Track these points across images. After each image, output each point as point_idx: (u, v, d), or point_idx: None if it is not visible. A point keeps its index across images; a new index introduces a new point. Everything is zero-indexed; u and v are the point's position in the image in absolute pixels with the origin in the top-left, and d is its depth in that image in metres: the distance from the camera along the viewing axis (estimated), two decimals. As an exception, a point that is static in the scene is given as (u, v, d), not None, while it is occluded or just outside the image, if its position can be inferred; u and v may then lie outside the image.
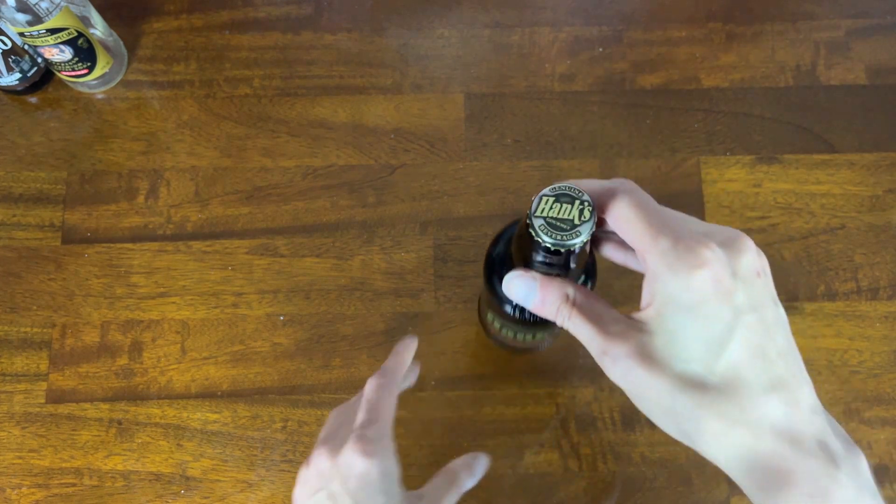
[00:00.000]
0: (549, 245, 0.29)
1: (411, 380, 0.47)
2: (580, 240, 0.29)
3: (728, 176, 0.62)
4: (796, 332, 0.61)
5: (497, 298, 0.40)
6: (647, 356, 0.28)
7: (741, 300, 0.28)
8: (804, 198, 0.62)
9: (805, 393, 0.29)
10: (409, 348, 0.43)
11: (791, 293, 0.59)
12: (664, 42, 0.66)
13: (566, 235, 0.29)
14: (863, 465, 0.29)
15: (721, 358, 0.28)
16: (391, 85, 0.65)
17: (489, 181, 0.62)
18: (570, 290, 0.31)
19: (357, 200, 0.62)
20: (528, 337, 0.47)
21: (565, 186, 0.29)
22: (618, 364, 0.29)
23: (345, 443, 0.36)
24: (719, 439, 0.28)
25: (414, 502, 0.39)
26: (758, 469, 0.28)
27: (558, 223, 0.29)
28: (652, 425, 0.57)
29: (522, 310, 0.39)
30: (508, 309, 0.40)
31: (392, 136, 0.63)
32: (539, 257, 0.31)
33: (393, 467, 0.37)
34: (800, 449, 0.27)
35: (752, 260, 0.29)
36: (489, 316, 0.47)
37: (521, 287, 0.32)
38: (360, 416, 0.38)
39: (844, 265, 0.60)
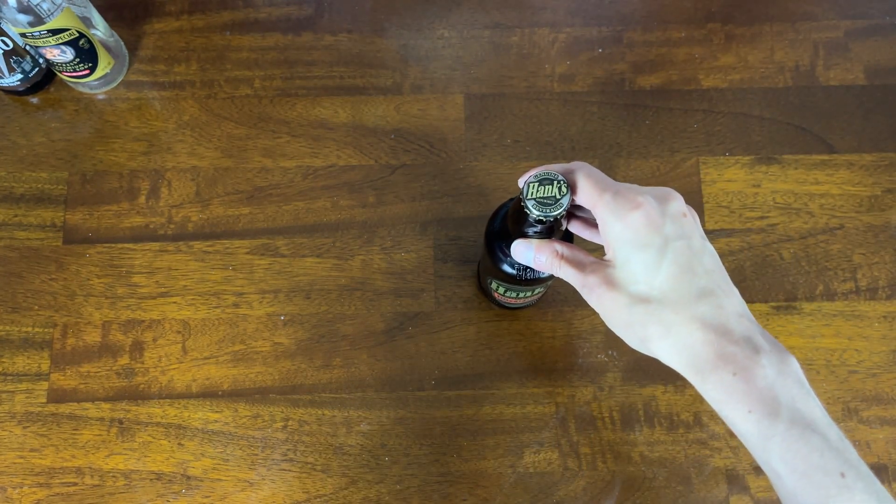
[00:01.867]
0: (542, 217, 0.39)
1: None
2: (562, 209, 0.38)
3: (727, 176, 0.62)
4: (795, 332, 0.61)
5: (498, 264, 0.47)
6: (610, 283, 0.37)
7: (669, 230, 0.36)
8: (803, 198, 0.62)
9: (731, 300, 0.36)
10: None
11: (790, 293, 0.60)
12: (663, 43, 0.66)
13: (552, 208, 0.38)
14: (789, 361, 0.34)
15: (657, 276, 0.35)
16: (391, 85, 0.65)
17: (489, 181, 0.62)
18: (558, 246, 0.40)
19: (357, 200, 0.62)
20: (527, 293, 0.53)
21: (543, 172, 0.39)
22: (593, 292, 0.37)
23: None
24: (663, 339, 0.35)
25: None
26: (692, 357, 0.35)
27: (545, 200, 0.39)
28: (651, 424, 0.57)
29: (519, 270, 0.47)
30: (508, 270, 0.47)
31: (392, 136, 0.63)
32: (533, 227, 0.41)
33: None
34: (727, 339, 0.34)
35: (679, 205, 0.37)
36: (493, 283, 0.53)
37: (523, 250, 0.41)
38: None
39: (843, 265, 0.60)
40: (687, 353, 0.35)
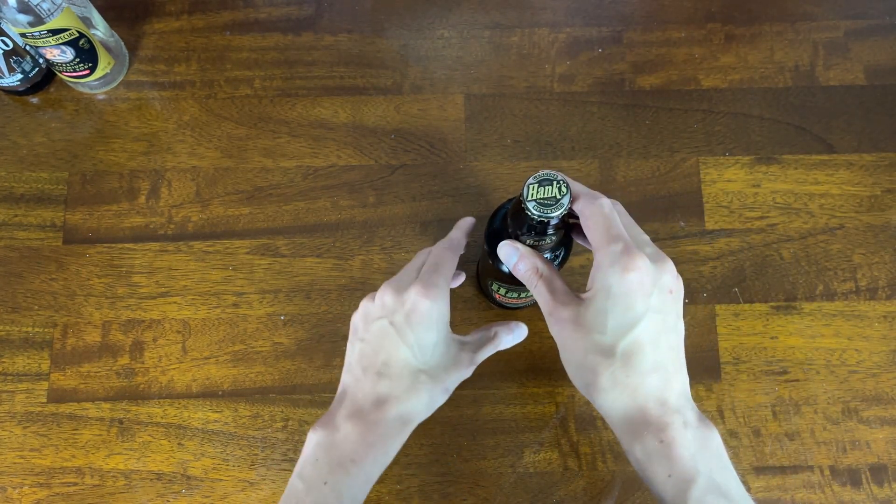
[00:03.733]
0: (542, 218, 0.39)
1: (459, 280, 0.54)
2: (562, 210, 0.39)
3: (727, 176, 0.63)
4: (795, 332, 0.61)
5: (498, 265, 0.48)
6: (578, 322, 0.39)
7: (654, 301, 0.38)
8: (803, 198, 0.62)
9: (679, 378, 0.39)
10: (467, 223, 0.50)
11: (789, 293, 0.60)
12: (663, 43, 0.66)
13: (552, 209, 0.39)
14: (713, 437, 0.38)
15: (625, 337, 0.37)
16: (391, 86, 0.65)
17: (489, 181, 0.62)
18: (540, 264, 0.41)
19: (357, 201, 0.62)
20: (527, 294, 0.53)
21: (543, 173, 0.39)
22: (559, 323, 0.39)
23: (410, 285, 0.43)
24: (607, 393, 0.38)
25: (458, 343, 0.46)
26: (628, 419, 0.38)
27: (545, 201, 0.39)
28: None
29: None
30: (508, 270, 0.47)
31: (392, 136, 0.64)
32: (532, 228, 0.41)
33: (447, 312, 0.44)
34: (662, 410, 0.37)
35: (671, 279, 0.39)
36: (493, 284, 0.53)
37: (508, 252, 0.42)
38: (426, 266, 0.45)
39: (843, 265, 0.60)
40: (624, 412, 0.38)
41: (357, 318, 0.46)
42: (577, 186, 0.41)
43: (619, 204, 0.42)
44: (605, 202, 0.40)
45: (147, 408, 0.57)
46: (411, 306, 0.42)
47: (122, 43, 0.65)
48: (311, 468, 0.41)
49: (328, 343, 0.59)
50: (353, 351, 0.45)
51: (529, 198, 0.39)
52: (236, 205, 0.62)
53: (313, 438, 0.42)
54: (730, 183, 0.62)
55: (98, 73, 0.62)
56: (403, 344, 0.42)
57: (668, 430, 0.37)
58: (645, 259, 0.37)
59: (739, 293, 0.60)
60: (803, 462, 0.56)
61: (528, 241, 0.42)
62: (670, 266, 0.39)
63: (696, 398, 0.57)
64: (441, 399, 0.44)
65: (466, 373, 0.46)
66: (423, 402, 0.43)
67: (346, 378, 0.45)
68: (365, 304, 0.45)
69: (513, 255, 0.42)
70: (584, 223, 0.40)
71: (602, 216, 0.39)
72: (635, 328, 0.37)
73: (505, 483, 0.56)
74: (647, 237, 0.41)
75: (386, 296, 0.43)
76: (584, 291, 0.40)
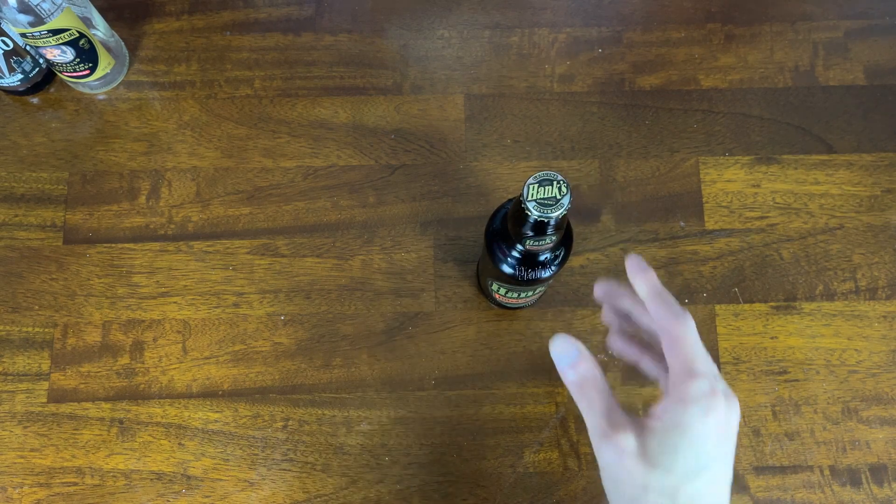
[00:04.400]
0: (542, 219, 0.39)
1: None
2: (562, 210, 0.39)
3: (727, 176, 0.63)
4: (795, 332, 0.61)
5: (498, 265, 0.47)
6: (643, 455, 0.34)
7: (724, 450, 0.35)
8: (803, 198, 0.62)
9: None
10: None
11: (789, 293, 0.60)
12: (663, 43, 0.66)
13: (552, 209, 0.39)
14: None
15: (693, 483, 0.34)
16: (391, 86, 0.65)
17: (489, 181, 0.62)
18: (598, 374, 0.37)
19: (357, 201, 0.62)
20: (527, 293, 0.53)
21: (543, 173, 0.39)
22: (614, 449, 0.35)
23: None
24: None
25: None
26: None
27: (545, 201, 0.39)
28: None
29: (519, 271, 0.47)
30: (508, 270, 0.47)
31: (392, 136, 0.64)
32: (532, 228, 0.41)
33: None
34: None
35: (737, 422, 0.36)
36: (493, 284, 0.53)
37: (563, 349, 0.37)
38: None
39: (843, 265, 0.60)
40: None
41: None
42: (655, 288, 0.37)
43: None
44: (693, 324, 0.36)
45: (147, 408, 0.57)
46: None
47: (123, 43, 0.65)
48: None
49: (328, 343, 0.59)
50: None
51: (529, 198, 0.39)
52: (236, 205, 0.62)
53: None
54: (730, 183, 0.62)
55: (98, 73, 0.62)
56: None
57: None
58: (723, 401, 0.34)
59: (739, 293, 0.60)
60: (803, 462, 0.56)
61: (528, 242, 0.42)
62: (737, 407, 0.36)
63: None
64: None
65: None
66: None
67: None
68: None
69: (568, 356, 0.37)
70: (669, 344, 0.36)
71: (691, 343, 0.35)
72: (702, 475, 0.34)
73: (505, 483, 0.56)
74: (714, 365, 0.37)
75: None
76: (644, 415, 0.36)
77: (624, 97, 0.65)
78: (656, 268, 0.59)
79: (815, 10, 0.67)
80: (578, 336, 0.58)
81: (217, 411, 0.57)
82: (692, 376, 0.35)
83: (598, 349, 0.58)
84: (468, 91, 0.65)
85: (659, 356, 0.40)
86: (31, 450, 0.56)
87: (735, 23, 0.67)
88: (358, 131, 0.64)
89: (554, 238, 0.42)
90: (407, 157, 0.63)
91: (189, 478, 0.56)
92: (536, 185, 0.40)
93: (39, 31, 0.56)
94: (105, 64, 0.62)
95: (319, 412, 0.57)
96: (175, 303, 0.59)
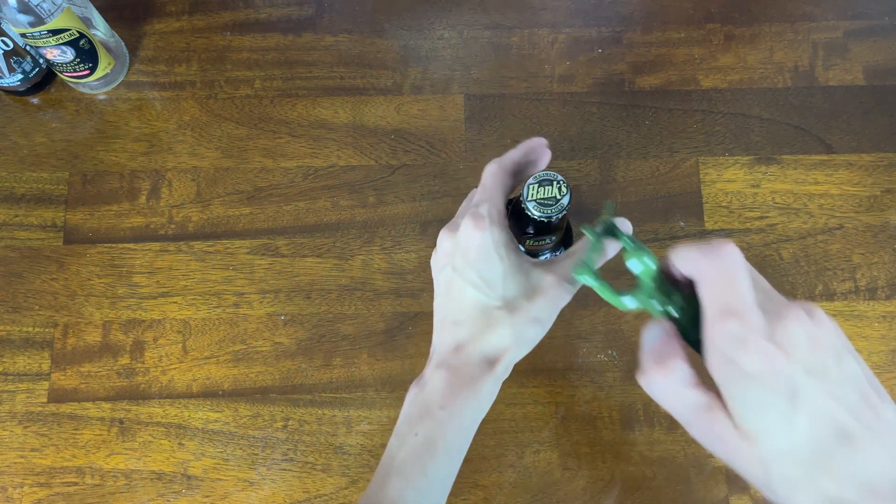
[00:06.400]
0: (542, 219, 0.40)
1: (544, 161, 0.44)
2: (563, 210, 0.40)
3: (727, 176, 0.63)
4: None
5: None
6: (741, 431, 0.30)
7: (801, 382, 0.31)
8: (802, 198, 0.62)
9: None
10: (532, 143, 0.43)
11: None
12: (663, 43, 0.66)
13: (552, 209, 0.40)
14: None
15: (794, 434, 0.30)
16: (391, 86, 0.65)
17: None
18: (691, 377, 0.32)
19: (358, 201, 0.62)
20: None
21: (543, 173, 0.40)
22: (718, 440, 0.31)
23: (460, 223, 0.40)
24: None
25: (539, 268, 0.41)
26: None
27: (545, 201, 0.40)
28: (651, 424, 0.57)
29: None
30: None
31: (392, 136, 0.64)
32: (533, 227, 0.42)
33: (503, 236, 0.39)
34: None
35: (805, 335, 0.32)
36: None
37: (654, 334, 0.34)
38: (476, 198, 0.41)
39: (842, 265, 0.60)
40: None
41: (433, 276, 0.43)
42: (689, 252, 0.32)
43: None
44: (729, 253, 0.31)
45: (147, 408, 0.57)
46: (465, 244, 0.39)
47: (123, 43, 0.65)
48: (404, 425, 0.40)
49: (328, 343, 0.59)
50: (435, 309, 0.43)
51: (529, 198, 0.39)
52: (236, 205, 0.62)
53: (408, 397, 0.41)
54: (729, 183, 0.62)
55: (98, 73, 0.62)
56: (468, 284, 0.39)
57: None
58: (761, 342, 0.30)
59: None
60: (803, 462, 0.56)
61: (528, 242, 0.42)
62: (792, 323, 0.31)
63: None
64: (533, 330, 0.40)
65: (559, 296, 0.40)
66: (507, 338, 0.39)
67: (434, 338, 0.43)
68: (432, 260, 0.43)
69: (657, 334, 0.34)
70: (699, 284, 0.32)
71: (720, 276, 0.31)
72: (797, 429, 0.29)
73: (505, 483, 0.56)
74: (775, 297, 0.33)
75: (443, 241, 0.41)
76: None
77: (624, 97, 0.65)
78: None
79: (814, 10, 0.67)
80: (579, 336, 0.59)
81: (217, 411, 0.57)
82: (722, 316, 0.30)
83: (599, 349, 0.58)
84: (468, 91, 0.65)
85: None
86: (32, 450, 0.56)
87: (735, 23, 0.67)
88: (358, 131, 0.64)
89: (554, 238, 0.42)
90: (407, 157, 0.63)
91: (189, 478, 0.56)
92: (536, 185, 0.40)
93: (39, 32, 0.56)
94: (105, 64, 0.62)
95: (319, 412, 0.57)
96: (175, 303, 0.59)
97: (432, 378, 0.39)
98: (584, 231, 0.38)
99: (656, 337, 0.33)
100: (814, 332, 0.31)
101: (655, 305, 0.33)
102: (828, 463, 0.29)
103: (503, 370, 0.40)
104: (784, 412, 0.29)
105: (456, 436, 0.39)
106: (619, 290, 0.34)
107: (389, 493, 0.37)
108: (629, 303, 0.34)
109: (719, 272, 0.31)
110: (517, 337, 0.40)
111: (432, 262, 0.43)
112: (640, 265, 0.33)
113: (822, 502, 0.30)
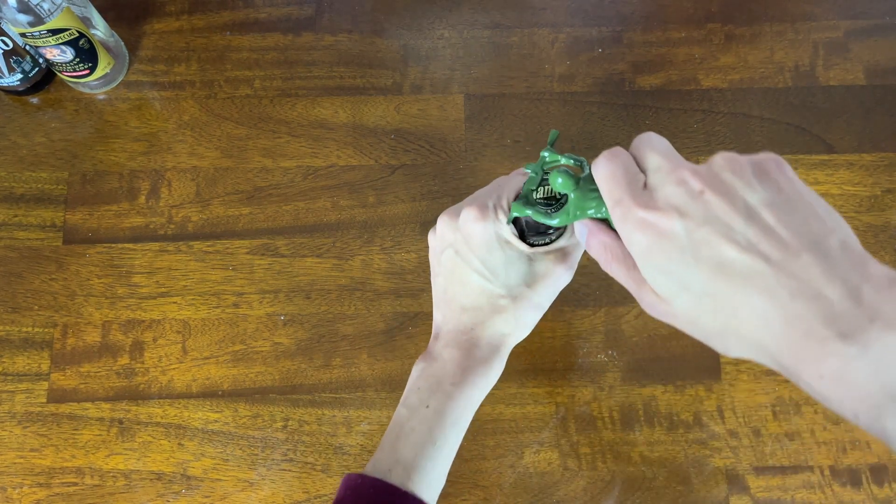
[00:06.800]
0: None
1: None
2: (559, 234, 0.40)
3: (727, 176, 0.62)
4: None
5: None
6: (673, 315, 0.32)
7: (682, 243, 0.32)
8: (803, 198, 0.62)
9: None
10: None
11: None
12: (663, 43, 0.66)
13: (546, 237, 0.40)
14: None
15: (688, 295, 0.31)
16: (391, 86, 0.65)
17: (489, 181, 0.62)
18: (608, 240, 0.35)
19: (357, 201, 0.62)
20: None
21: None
22: (652, 311, 0.33)
23: (462, 210, 0.42)
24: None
25: (539, 255, 0.42)
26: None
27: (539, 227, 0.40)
28: (651, 424, 0.57)
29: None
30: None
31: (392, 136, 0.64)
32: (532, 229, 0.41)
33: (504, 231, 0.41)
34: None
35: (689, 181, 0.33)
36: None
37: (578, 229, 0.37)
38: (486, 189, 0.43)
39: (843, 265, 0.60)
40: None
41: (430, 255, 0.45)
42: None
43: (653, 137, 0.34)
44: (615, 153, 0.34)
45: (147, 408, 0.57)
46: (467, 233, 0.41)
47: (122, 43, 0.65)
48: (414, 395, 0.42)
49: (328, 343, 0.59)
50: (435, 286, 0.45)
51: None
52: (236, 205, 0.62)
53: (415, 371, 0.43)
54: (730, 183, 0.62)
55: (98, 73, 0.62)
56: (472, 271, 0.41)
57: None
58: (639, 216, 0.30)
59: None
60: (803, 462, 0.56)
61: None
62: (669, 187, 0.31)
63: (697, 398, 0.57)
64: (534, 315, 0.43)
65: (559, 280, 0.42)
66: (511, 324, 0.42)
67: (436, 315, 0.45)
68: (430, 239, 0.45)
69: (583, 231, 0.37)
70: (598, 185, 0.34)
71: (607, 174, 0.33)
72: (693, 286, 0.30)
73: (505, 483, 0.56)
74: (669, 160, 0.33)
75: (443, 226, 0.43)
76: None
77: (624, 97, 0.65)
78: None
79: (815, 10, 0.67)
80: (578, 336, 0.59)
81: (217, 411, 0.57)
82: (611, 206, 0.33)
83: (599, 349, 0.58)
84: (468, 91, 0.65)
85: None
86: (31, 450, 0.56)
87: (735, 23, 0.67)
88: (358, 131, 0.64)
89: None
90: (407, 157, 0.63)
91: (189, 478, 0.56)
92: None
93: (39, 31, 0.56)
94: (105, 64, 0.62)
95: (319, 412, 0.57)
96: (175, 303, 0.59)
97: (443, 355, 0.42)
98: (525, 168, 0.41)
99: (582, 232, 0.37)
100: (698, 179, 0.30)
101: (580, 213, 0.36)
102: (736, 309, 0.28)
103: (506, 352, 0.43)
104: (679, 273, 0.30)
105: (464, 410, 0.42)
106: (550, 214, 0.38)
107: (403, 454, 0.40)
108: (557, 220, 0.37)
109: (606, 171, 0.33)
110: (519, 322, 0.42)
111: (430, 241, 0.45)
112: (561, 181, 0.36)
113: (749, 347, 0.29)
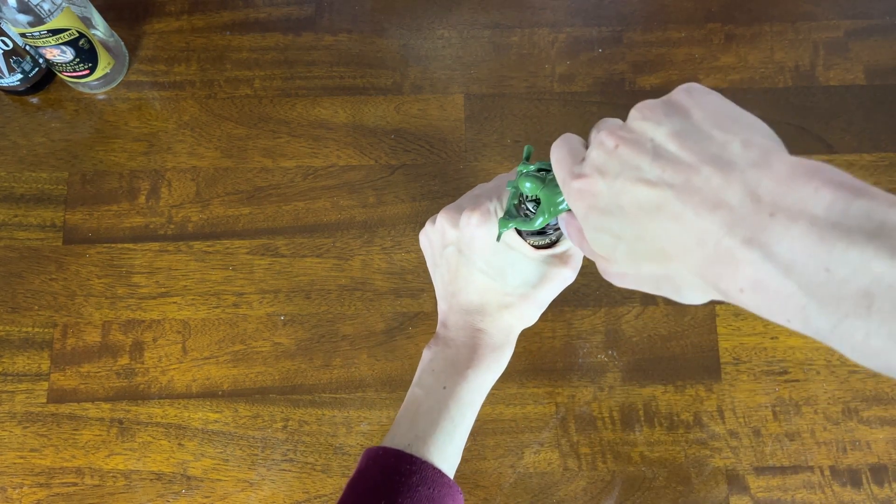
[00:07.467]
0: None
1: None
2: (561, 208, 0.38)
3: (727, 176, 0.62)
4: (795, 332, 0.61)
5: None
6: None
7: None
8: (803, 198, 0.62)
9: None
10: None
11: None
12: (663, 43, 0.66)
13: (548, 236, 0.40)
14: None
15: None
16: (391, 86, 0.65)
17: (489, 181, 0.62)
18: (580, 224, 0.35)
19: (357, 201, 0.62)
20: None
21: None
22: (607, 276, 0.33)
23: (463, 213, 0.42)
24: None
25: (543, 256, 0.42)
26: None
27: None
28: (651, 424, 0.57)
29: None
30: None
31: (392, 136, 0.63)
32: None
33: (506, 236, 0.41)
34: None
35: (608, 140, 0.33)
36: None
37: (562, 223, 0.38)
38: (488, 189, 0.43)
39: (843, 265, 0.60)
40: None
41: (425, 243, 0.46)
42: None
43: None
44: (559, 139, 0.35)
45: (147, 408, 0.57)
46: (469, 236, 0.41)
47: (122, 43, 0.65)
48: (429, 377, 0.43)
49: (328, 343, 0.59)
50: (437, 278, 0.45)
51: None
52: (236, 205, 0.62)
53: (428, 354, 0.44)
54: (730, 183, 0.62)
55: (98, 73, 0.62)
56: (477, 271, 0.42)
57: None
58: (571, 186, 0.31)
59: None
60: (803, 462, 0.56)
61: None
62: (593, 150, 0.31)
63: (697, 398, 0.57)
64: (538, 311, 0.44)
65: (563, 280, 0.43)
66: (517, 319, 0.44)
67: (442, 306, 0.45)
68: (429, 230, 0.45)
69: (563, 224, 0.38)
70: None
71: (554, 161, 0.34)
72: (621, 245, 0.30)
73: (505, 483, 0.56)
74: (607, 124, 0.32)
75: (444, 222, 0.43)
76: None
77: (624, 97, 0.65)
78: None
79: (815, 9, 0.67)
80: (579, 336, 0.58)
81: (217, 411, 0.57)
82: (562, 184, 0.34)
83: (599, 349, 0.58)
84: (468, 91, 0.65)
85: None
86: (31, 450, 0.56)
87: (735, 23, 0.67)
88: (358, 131, 0.64)
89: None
90: (407, 157, 0.63)
91: (189, 478, 0.56)
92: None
93: (39, 31, 0.56)
94: (105, 64, 0.62)
95: (319, 412, 0.57)
96: (175, 303, 0.59)
97: (456, 341, 0.43)
98: (507, 186, 0.42)
99: (563, 226, 0.37)
100: (612, 137, 0.30)
101: (554, 209, 0.37)
102: (663, 246, 0.28)
103: (514, 338, 0.45)
104: (610, 226, 0.30)
105: (478, 392, 0.43)
106: (531, 219, 0.39)
107: (422, 429, 0.41)
108: (538, 221, 0.38)
109: (554, 157, 0.34)
110: (525, 315, 0.44)
111: (428, 232, 0.45)
112: (529, 184, 0.38)
113: (692, 283, 0.28)
